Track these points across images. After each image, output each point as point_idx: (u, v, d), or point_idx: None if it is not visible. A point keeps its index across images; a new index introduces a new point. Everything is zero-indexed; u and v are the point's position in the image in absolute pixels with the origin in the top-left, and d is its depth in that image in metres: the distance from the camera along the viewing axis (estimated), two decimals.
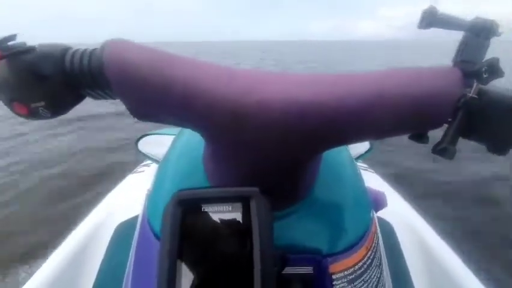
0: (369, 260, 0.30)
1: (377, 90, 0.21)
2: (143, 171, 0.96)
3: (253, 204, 0.21)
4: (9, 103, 0.24)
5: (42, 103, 0.23)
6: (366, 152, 0.74)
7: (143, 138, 0.81)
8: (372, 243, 0.32)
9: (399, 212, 0.77)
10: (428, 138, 0.24)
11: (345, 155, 0.39)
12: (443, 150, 0.22)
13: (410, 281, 0.61)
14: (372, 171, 0.96)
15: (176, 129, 0.74)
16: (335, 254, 0.28)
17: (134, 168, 1.02)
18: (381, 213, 0.39)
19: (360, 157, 0.73)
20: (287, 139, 0.22)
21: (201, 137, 0.25)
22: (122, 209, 0.77)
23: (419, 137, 0.24)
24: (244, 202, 0.21)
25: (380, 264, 0.33)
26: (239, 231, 0.20)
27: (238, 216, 0.21)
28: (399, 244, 0.68)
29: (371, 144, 0.71)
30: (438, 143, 0.22)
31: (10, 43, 0.22)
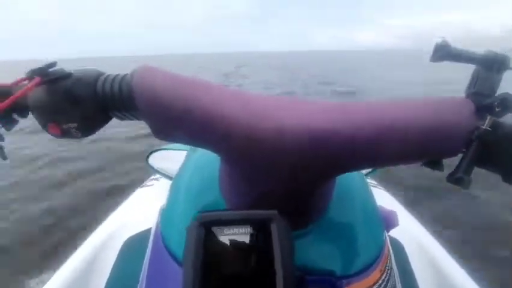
0: (384, 283, 0.30)
1: (390, 119, 0.22)
2: (152, 185, 0.96)
3: (273, 227, 0.21)
4: (45, 124, 0.25)
5: (75, 124, 0.25)
6: (373, 170, 0.74)
7: (154, 153, 0.82)
8: (386, 265, 0.32)
9: (409, 230, 0.75)
10: (442, 165, 0.25)
11: (356, 174, 0.39)
12: (459, 180, 0.22)
13: None
14: (381, 188, 0.95)
15: (187, 146, 0.75)
16: (350, 276, 0.28)
17: (143, 182, 1.02)
18: (391, 232, 0.39)
19: (368, 174, 0.73)
20: (301, 165, 0.23)
21: (215, 155, 0.26)
22: (131, 223, 0.77)
23: (434, 164, 0.25)
24: (265, 225, 0.22)
25: (395, 286, 0.33)
26: (260, 253, 0.21)
27: (259, 238, 0.21)
28: (410, 263, 0.67)
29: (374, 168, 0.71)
30: (454, 172, 0.23)
31: (50, 70, 0.24)
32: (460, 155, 0.23)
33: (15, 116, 0.26)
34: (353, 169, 0.25)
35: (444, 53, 0.24)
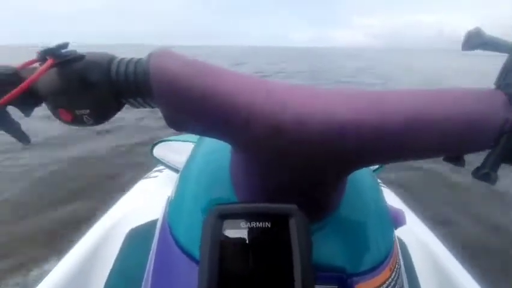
0: (393, 282, 0.30)
1: (419, 110, 0.21)
2: (156, 176, 0.96)
3: (292, 222, 0.21)
4: (55, 110, 0.24)
5: (88, 111, 0.24)
6: (379, 167, 0.74)
7: (159, 144, 0.82)
8: (396, 263, 0.32)
9: (412, 230, 0.75)
10: (464, 161, 0.24)
11: (366, 170, 0.38)
12: (486, 175, 0.21)
13: None
14: (386, 186, 0.94)
15: (192, 137, 0.75)
16: (361, 274, 0.28)
17: (146, 174, 1.02)
18: (395, 232, 0.39)
19: (374, 171, 0.72)
20: (324, 156, 0.22)
21: (225, 146, 0.25)
22: (134, 214, 0.76)
23: (456, 159, 0.24)
24: (284, 219, 0.21)
25: (402, 286, 0.33)
26: (278, 247, 0.21)
27: (277, 232, 0.21)
28: (413, 263, 0.67)
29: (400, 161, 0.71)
30: (480, 168, 0.22)
31: (63, 51, 0.23)
32: (485, 152, 0.23)
33: (31, 100, 0.25)
34: (376, 162, 0.24)
35: (477, 41, 0.22)
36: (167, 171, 0.91)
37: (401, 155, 0.23)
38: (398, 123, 0.21)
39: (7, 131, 0.25)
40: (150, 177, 0.96)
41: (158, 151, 0.82)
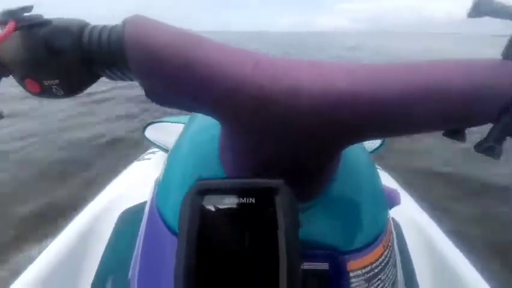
0: (386, 259, 0.30)
1: (418, 81, 0.20)
2: (149, 158, 0.95)
3: (278, 198, 0.19)
4: (22, 80, 0.22)
5: (57, 81, 0.22)
6: (378, 147, 0.73)
7: (151, 126, 0.80)
8: (389, 241, 0.31)
9: (406, 211, 0.76)
10: (465, 135, 0.23)
11: (361, 150, 0.38)
12: (490, 148, 0.20)
13: (416, 282, 0.60)
14: (381, 168, 0.94)
15: (184, 118, 0.74)
16: (353, 252, 0.27)
17: (139, 156, 1.01)
18: (390, 212, 0.38)
19: (372, 152, 0.72)
20: (316, 129, 0.21)
21: (215, 125, 0.24)
22: (127, 195, 0.76)
23: (456, 133, 0.23)
24: (270, 194, 0.20)
25: (396, 264, 0.32)
26: (263, 224, 0.19)
27: (261, 208, 0.20)
28: (406, 243, 0.68)
29: (384, 139, 0.70)
30: (483, 141, 0.21)
31: (26, 14, 0.21)
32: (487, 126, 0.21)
33: None
34: (373, 136, 0.23)
35: (485, 7, 0.21)
36: (160, 153, 0.90)
37: (398, 128, 0.22)
38: (394, 93, 0.20)
39: None
40: (144, 159, 0.96)
41: (151, 132, 0.81)
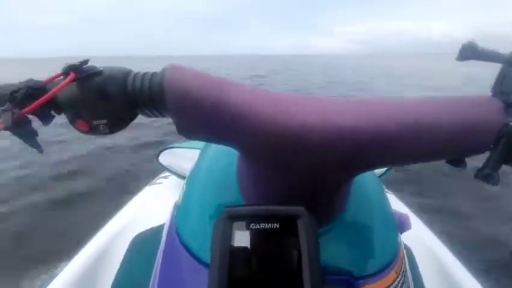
0: (400, 284, 0.30)
1: (414, 117, 0.22)
2: (161, 183, 0.96)
3: (301, 223, 0.21)
4: (74, 120, 0.26)
5: (104, 121, 0.25)
6: (385, 172, 0.74)
7: (164, 151, 0.83)
8: (402, 266, 0.32)
9: (417, 235, 0.75)
10: (465, 163, 0.25)
11: (372, 176, 0.39)
12: (489, 176, 0.22)
13: None
14: (391, 192, 0.94)
15: (198, 143, 0.76)
16: (367, 277, 0.28)
17: (152, 180, 1.02)
18: (401, 236, 0.39)
19: (380, 177, 0.73)
20: (325, 162, 0.23)
21: (231, 152, 0.26)
22: (140, 220, 0.77)
23: (457, 162, 0.25)
24: (292, 220, 0.22)
25: None
26: (287, 249, 0.21)
27: (285, 233, 0.22)
28: (418, 268, 0.67)
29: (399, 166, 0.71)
30: (482, 169, 0.23)
31: (84, 66, 0.25)
32: (485, 154, 0.24)
33: (52, 111, 0.27)
34: (377, 166, 0.25)
35: (470, 52, 0.24)
36: (172, 178, 0.91)
37: (399, 160, 0.24)
38: (392, 129, 0.22)
39: (25, 139, 0.27)
40: (156, 184, 0.97)
41: (164, 158, 0.83)
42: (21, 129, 0.25)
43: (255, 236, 0.22)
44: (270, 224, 0.22)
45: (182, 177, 0.80)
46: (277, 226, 0.22)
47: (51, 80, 0.26)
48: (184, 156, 0.78)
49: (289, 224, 0.22)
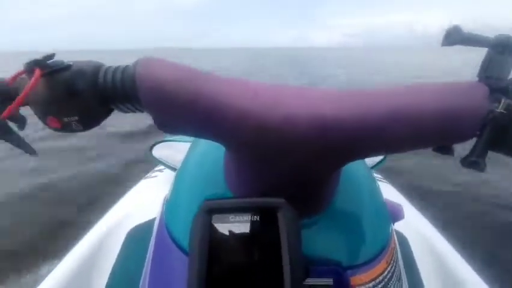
0: (390, 274, 0.30)
1: (399, 104, 0.22)
2: (156, 176, 0.97)
3: (281, 215, 0.21)
4: (44, 117, 0.24)
5: (76, 117, 0.24)
6: (380, 162, 0.74)
7: (158, 144, 0.82)
8: (392, 256, 0.32)
9: (413, 224, 0.75)
10: (453, 150, 0.24)
11: (363, 166, 0.39)
12: (475, 163, 0.22)
13: None
14: (386, 181, 0.94)
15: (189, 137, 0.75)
16: (356, 267, 0.28)
17: (147, 174, 1.03)
18: (395, 225, 0.39)
19: (374, 167, 0.72)
20: (310, 153, 0.22)
21: (219, 146, 0.26)
22: (135, 213, 0.77)
23: (444, 149, 0.25)
24: (272, 212, 0.21)
25: (400, 278, 0.33)
26: (267, 242, 0.21)
27: (265, 225, 0.21)
28: (414, 257, 0.67)
29: (384, 155, 0.71)
30: (468, 156, 0.23)
31: (49, 61, 0.23)
32: (473, 140, 0.23)
33: (21, 113, 0.26)
34: (363, 156, 0.25)
35: (455, 37, 0.24)
36: (167, 171, 0.91)
37: (384, 148, 0.24)
38: (378, 117, 0.22)
39: (13, 142, 0.26)
40: (150, 177, 0.97)
41: (158, 151, 0.83)
42: (7, 134, 0.24)
43: (235, 228, 0.21)
44: (250, 216, 0.21)
45: (175, 170, 0.80)
46: (258, 218, 0.21)
47: (15, 79, 0.25)
48: (178, 149, 0.77)
49: (269, 216, 0.21)
